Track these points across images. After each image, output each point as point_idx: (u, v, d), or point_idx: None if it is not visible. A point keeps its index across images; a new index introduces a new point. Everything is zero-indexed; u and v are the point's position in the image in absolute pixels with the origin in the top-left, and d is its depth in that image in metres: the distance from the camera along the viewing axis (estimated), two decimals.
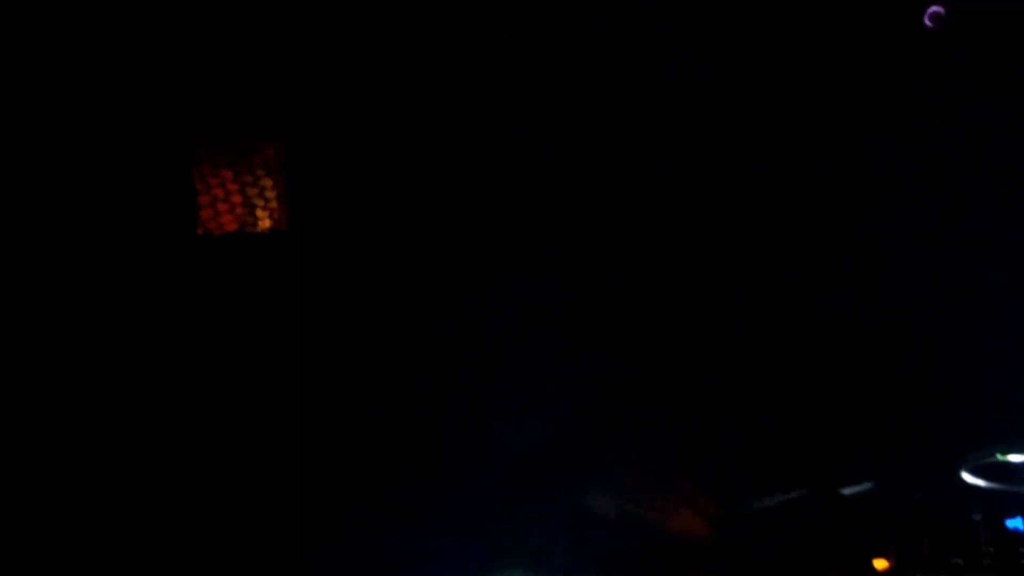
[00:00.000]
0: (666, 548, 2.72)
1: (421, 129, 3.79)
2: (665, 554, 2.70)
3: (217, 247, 3.83)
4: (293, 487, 3.46)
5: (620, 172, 3.52)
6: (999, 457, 3.21)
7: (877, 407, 3.32)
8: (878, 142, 3.70)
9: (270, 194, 3.90)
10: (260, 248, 3.86)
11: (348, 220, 3.83)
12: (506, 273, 3.37)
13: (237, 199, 3.86)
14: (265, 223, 3.89)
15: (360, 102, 3.79)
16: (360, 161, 3.82)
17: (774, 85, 3.65)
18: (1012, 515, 2.83)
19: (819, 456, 3.10)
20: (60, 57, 3.63)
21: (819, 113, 3.66)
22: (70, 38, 3.64)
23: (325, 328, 3.75)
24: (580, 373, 3.17)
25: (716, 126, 3.55)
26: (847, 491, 3.07)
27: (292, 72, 3.76)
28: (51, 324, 3.59)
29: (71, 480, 3.48)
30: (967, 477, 3.13)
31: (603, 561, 2.70)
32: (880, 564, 2.69)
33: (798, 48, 3.65)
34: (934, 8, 3.53)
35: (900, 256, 3.64)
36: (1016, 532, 2.80)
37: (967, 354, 3.48)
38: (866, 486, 3.11)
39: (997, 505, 2.91)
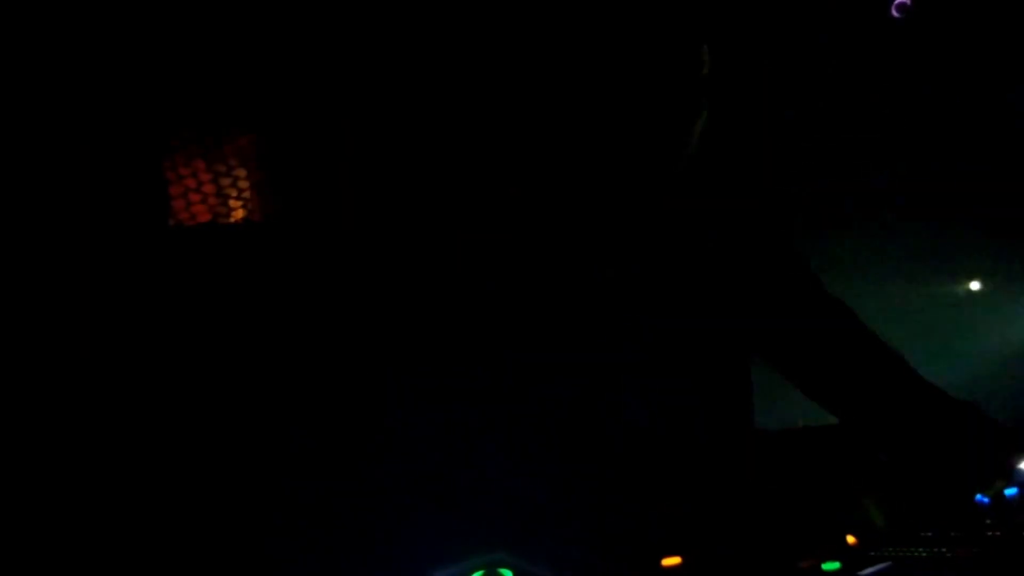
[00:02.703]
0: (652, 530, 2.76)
1: (401, 121, 3.80)
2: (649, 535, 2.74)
3: (189, 238, 3.84)
4: (268, 476, 3.47)
5: None
6: None
7: None
8: None
9: (244, 184, 3.91)
10: (234, 239, 3.87)
11: (324, 212, 3.84)
12: (490, 279, 3.38)
13: (210, 189, 3.87)
14: (239, 214, 3.91)
15: (337, 91, 3.81)
16: (337, 152, 3.83)
17: None
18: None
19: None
20: (27, 43, 3.62)
21: None
22: (38, 24, 3.64)
23: (300, 321, 3.76)
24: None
25: None
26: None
27: (267, 60, 3.77)
28: (15, 317, 3.58)
29: (40, 478, 3.47)
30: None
31: (588, 543, 2.73)
32: (852, 539, 2.75)
33: None
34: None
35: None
36: (982, 504, 2.87)
37: None
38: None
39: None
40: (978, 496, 2.90)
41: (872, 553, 2.68)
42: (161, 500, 3.41)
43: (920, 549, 2.65)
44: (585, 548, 2.73)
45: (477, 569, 2.58)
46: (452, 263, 3.32)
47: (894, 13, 3.62)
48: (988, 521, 2.77)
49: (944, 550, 2.65)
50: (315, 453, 3.37)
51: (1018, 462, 2.93)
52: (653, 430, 2.94)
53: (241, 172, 3.92)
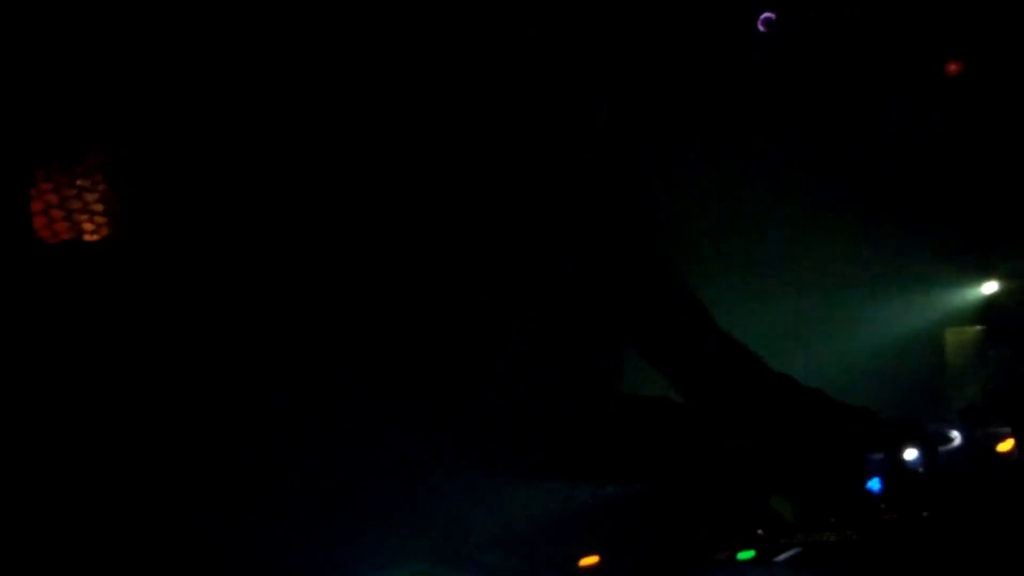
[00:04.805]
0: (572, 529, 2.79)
1: (265, 134, 3.75)
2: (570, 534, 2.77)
3: (51, 255, 3.70)
4: (149, 501, 3.37)
5: None
6: None
7: None
8: None
9: (107, 200, 3.78)
10: (96, 256, 3.74)
11: (188, 229, 3.76)
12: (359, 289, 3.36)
13: (74, 205, 3.73)
14: (103, 231, 3.78)
15: (199, 107, 3.73)
16: (200, 168, 3.75)
17: None
18: (869, 477, 3.03)
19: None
20: None
21: None
22: None
23: (160, 338, 3.67)
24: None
25: None
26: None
27: (128, 78, 3.67)
28: None
29: None
30: None
31: (507, 545, 2.74)
32: (762, 532, 2.84)
33: None
34: (766, 14, 3.78)
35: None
36: (874, 492, 3.00)
37: None
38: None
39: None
40: (868, 484, 3.03)
41: (782, 541, 2.78)
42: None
43: (828, 534, 2.76)
44: (504, 551, 2.74)
45: None
46: (342, 270, 3.31)
47: (760, 28, 3.79)
48: (882, 506, 2.91)
49: (851, 534, 2.77)
50: (229, 462, 3.27)
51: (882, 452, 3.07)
52: (566, 432, 2.98)
53: (104, 188, 3.78)
